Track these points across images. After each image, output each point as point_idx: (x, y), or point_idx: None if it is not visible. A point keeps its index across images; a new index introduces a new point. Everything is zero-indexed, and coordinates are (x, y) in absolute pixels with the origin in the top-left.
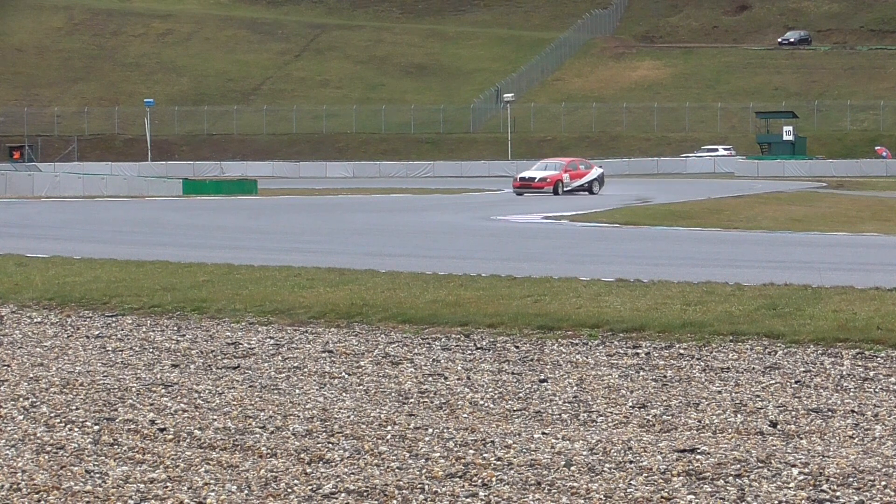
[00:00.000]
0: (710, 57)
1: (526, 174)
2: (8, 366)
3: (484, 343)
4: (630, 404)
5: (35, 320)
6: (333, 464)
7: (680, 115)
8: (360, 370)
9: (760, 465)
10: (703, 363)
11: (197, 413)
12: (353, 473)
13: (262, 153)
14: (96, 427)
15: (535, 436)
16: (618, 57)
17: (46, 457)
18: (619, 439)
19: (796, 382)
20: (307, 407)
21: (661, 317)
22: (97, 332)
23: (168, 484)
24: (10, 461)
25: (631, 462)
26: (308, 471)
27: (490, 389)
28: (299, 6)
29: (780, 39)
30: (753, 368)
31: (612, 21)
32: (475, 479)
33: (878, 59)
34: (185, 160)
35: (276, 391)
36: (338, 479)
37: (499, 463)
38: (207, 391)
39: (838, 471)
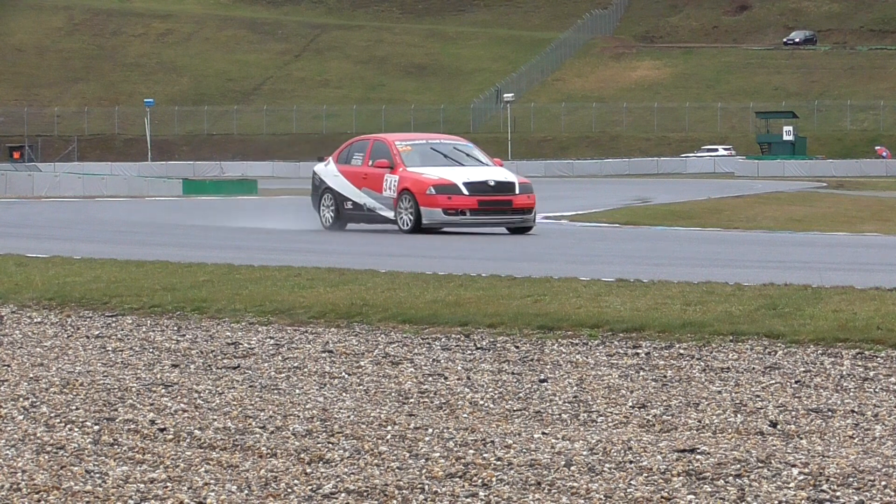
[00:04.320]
0: (710, 57)
1: (479, 176)
2: (8, 366)
3: (484, 343)
4: (630, 404)
5: (35, 320)
6: (333, 464)
7: (680, 115)
8: (360, 370)
9: (760, 465)
10: (703, 363)
11: (197, 413)
12: (353, 473)
13: (262, 153)
14: (96, 427)
15: (535, 436)
16: (618, 57)
17: (46, 457)
18: (619, 439)
19: (796, 382)
20: (307, 407)
21: (661, 317)
22: (97, 332)
23: (168, 484)
24: (10, 461)
25: (631, 462)
26: (308, 471)
27: (490, 389)
28: (299, 6)
29: (784, 39)
30: (753, 368)
31: (612, 21)
32: (475, 479)
33: (878, 59)
34: (185, 160)
35: (276, 391)
36: (338, 479)
37: (499, 463)
38: (207, 391)
39: (838, 471)
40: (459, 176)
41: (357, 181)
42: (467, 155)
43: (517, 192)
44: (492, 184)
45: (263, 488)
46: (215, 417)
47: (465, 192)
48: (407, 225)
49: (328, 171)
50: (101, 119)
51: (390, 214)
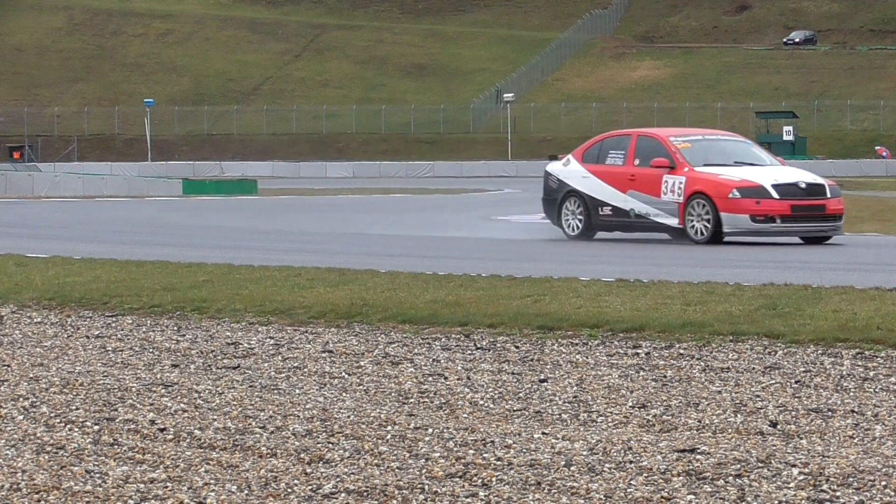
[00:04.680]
0: (710, 57)
1: (787, 177)
2: (8, 366)
3: (484, 343)
4: (630, 404)
5: (35, 320)
6: (333, 464)
7: (680, 115)
8: (360, 370)
9: (760, 465)
10: (703, 363)
11: (197, 413)
12: (353, 473)
13: (262, 153)
14: (96, 427)
15: (535, 436)
16: (618, 57)
17: (46, 457)
18: (619, 439)
19: (796, 382)
20: (307, 407)
21: (661, 317)
22: (97, 332)
23: (168, 484)
24: (10, 461)
25: (631, 462)
26: (308, 471)
27: (490, 389)
28: (299, 6)
29: (784, 39)
30: (753, 368)
31: (612, 21)
32: (475, 479)
33: (878, 59)
34: (185, 160)
35: (276, 391)
36: (338, 479)
37: (499, 463)
38: (207, 391)
39: (838, 471)
40: (765, 177)
41: (619, 183)
42: (750, 153)
43: (828, 195)
44: (802, 186)
45: (263, 488)
46: (215, 417)
47: (775, 195)
48: (701, 234)
49: (572, 171)
50: (101, 119)
51: (671, 222)
